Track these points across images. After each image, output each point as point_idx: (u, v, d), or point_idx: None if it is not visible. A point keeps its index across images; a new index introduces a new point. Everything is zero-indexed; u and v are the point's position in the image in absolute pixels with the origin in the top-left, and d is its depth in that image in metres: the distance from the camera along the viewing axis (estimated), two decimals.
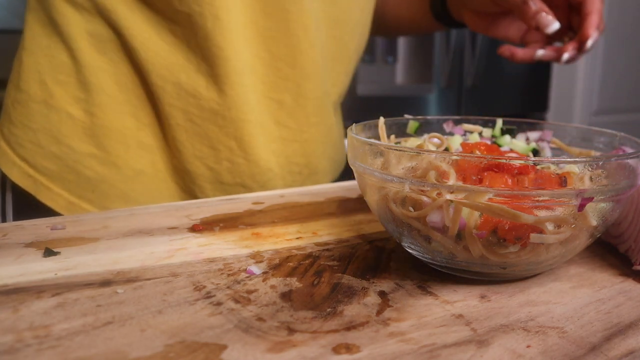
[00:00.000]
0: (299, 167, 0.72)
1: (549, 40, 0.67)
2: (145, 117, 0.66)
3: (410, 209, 0.37)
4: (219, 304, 0.35)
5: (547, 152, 0.52)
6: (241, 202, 0.58)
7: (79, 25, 0.63)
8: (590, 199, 0.34)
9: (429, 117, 0.54)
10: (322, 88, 0.70)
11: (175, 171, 0.68)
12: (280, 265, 0.41)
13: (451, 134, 0.54)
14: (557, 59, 0.62)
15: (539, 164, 0.38)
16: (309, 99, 0.68)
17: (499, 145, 0.51)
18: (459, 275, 0.39)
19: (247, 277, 0.39)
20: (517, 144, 0.52)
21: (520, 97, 2.19)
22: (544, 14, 0.59)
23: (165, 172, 0.68)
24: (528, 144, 0.52)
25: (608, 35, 2.34)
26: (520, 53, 0.64)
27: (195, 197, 0.68)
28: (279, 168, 0.70)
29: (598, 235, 0.39)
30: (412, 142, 0.49)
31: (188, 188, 0.68)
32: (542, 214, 0.35)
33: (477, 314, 0.34)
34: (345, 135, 0.50)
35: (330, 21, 0.69)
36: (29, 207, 0.67)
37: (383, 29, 0.86)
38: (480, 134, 0.53)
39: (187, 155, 0.66)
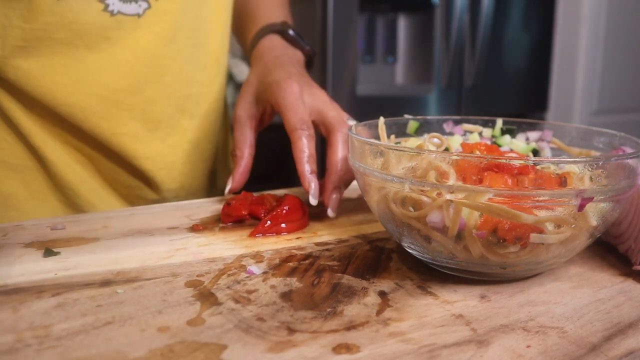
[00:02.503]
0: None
1: None
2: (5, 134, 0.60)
3: (410, 209, 0.37)
4: (219, 304, 0.35)
5: (547, 152, 0.52)
6: None
7: None
8: (590, 199, 0.34)
9: (429, 117, 0.54)
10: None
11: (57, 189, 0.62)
12: (280, 265, 0.41)
13: (451, 134, 0.54)
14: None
15: (539, 164, 0.38)
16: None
17: (499, 145, 0.51)
18: (459, 275, 0.39)
19: (247, 277, 0.39)
20: (517, 144, 0.51)
21: (520, 97, 2.19)
22: (313, 184, 0.52)
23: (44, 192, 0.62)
24: (528, 144, 0.52)
25: (608, 35, 2.34)
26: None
27: (82, 210, 0.63)
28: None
29: (598, 235, 0.39)
30: (412, 142, 0.49)
31: (73, 203, 0.63)
32: (542, 214, 0.35)
33: (477, 314, 0.34)
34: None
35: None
36: None
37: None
38: (480, 134, 0.53)
39: (64, 172, 0.61)
